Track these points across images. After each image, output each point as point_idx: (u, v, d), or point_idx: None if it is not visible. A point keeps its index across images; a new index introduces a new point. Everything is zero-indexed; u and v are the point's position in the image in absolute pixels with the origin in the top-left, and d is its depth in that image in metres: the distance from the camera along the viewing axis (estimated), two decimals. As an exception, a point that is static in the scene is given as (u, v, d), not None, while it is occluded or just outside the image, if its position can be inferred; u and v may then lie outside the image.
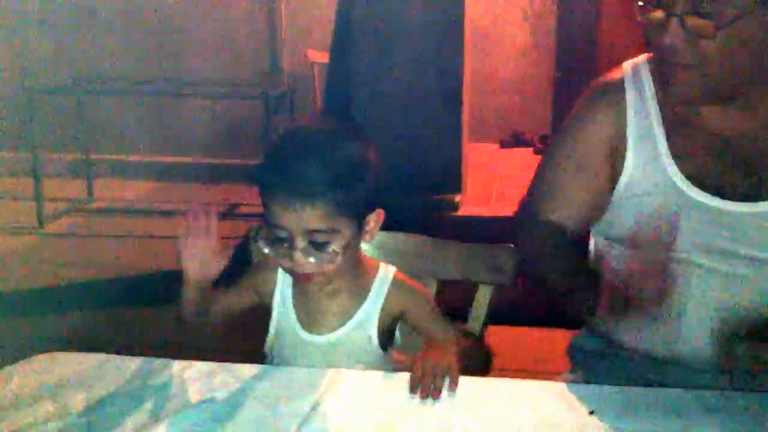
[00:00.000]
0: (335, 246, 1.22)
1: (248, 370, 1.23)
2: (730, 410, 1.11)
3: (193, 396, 1.16)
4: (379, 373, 1.22)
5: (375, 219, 1.28)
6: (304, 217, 1.19)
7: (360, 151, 1.25)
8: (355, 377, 1.21)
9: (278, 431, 1.06)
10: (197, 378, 1.21)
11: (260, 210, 1.32)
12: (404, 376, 1.21)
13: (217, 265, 1.25)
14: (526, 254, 1.50)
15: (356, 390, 1.18)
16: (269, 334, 1.36)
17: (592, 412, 1.10)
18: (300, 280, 1.28)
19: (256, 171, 1.23)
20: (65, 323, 3.19)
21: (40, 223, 4.41)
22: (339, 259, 1.23)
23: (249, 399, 1.16)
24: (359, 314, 1.33)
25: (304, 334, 1.32)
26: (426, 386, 1.16)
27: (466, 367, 1.29)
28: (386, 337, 1.36)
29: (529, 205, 1.50)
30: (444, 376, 1.18)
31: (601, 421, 1.08)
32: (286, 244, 1.22)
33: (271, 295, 1.35)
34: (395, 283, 1.35)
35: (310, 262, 1.22)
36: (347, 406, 1.13)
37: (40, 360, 1.28)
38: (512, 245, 1.51)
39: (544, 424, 1.08)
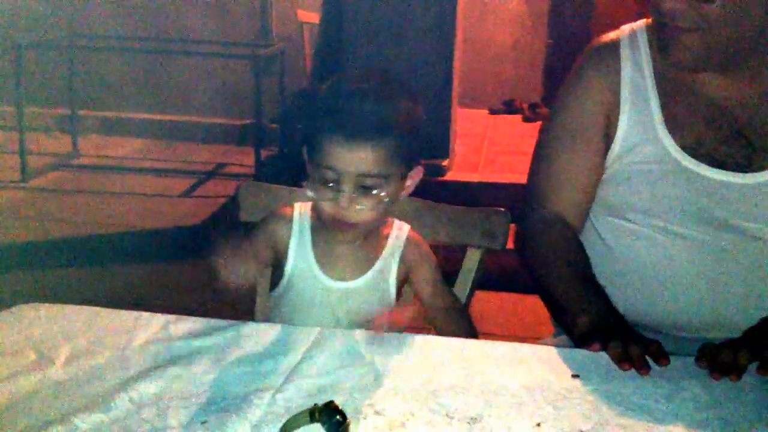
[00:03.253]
0: (382, 193, 1.23)
1: (234, 326, 1.22)
2: (715, 376, 1.11)
3: (179, 351, 1.16)
4: (366, 332, 1.22)
5: (416, 174, 1.32)
6: (358, 159, 1.21)
7: (413, 103, 1.27)
8: (341, 336, 1.21)
9: (263, 387, 1.06)
10: (183, 333, 1.21)
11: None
12: (391, 336, 1.21)
13: (254, 271, 1.25)
14: (525, 249, 1.46)
15: (342, 348, 1.18)
16: (282, 281, 1.36)
17: (576, 376, 1.11)
18: (340, 229, 1.28)
19: (312, 108, 1.25)
20: (47, 279, 3.17)
21: (24, 178, 4.37)
22: (382, 207, 1.25)
23: (234, 355, 1.15)
24: (379, 264, 1.36)
25: (325, 279, 1.34)
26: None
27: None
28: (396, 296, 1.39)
29: (530, 191, 1.48)
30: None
31: (586, 385, 1.08)
32: (333, 186, 1.23)
33: (286, 245, 1.36)
34: (409, 239, 1.39)
35: (355, 208, 1.23)
36: (333, 364, 1.13)
37: (23, 310, 1.27)
38: (503, 209, 1.50)
39: (529, 387, 1.08)
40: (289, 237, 1.36)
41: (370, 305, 1.34)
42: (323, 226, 1.34)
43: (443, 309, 1.39)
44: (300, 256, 1.35)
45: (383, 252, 1.37)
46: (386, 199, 1.25)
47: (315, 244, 1.35)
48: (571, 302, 1.31)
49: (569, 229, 1.42)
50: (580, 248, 1.42)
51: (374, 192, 1.23)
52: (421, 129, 1.28)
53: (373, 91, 1.24)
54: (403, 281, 1.40)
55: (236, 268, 1.20)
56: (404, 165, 1.27)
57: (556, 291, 1.36)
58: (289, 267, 1.35)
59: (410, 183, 1.32)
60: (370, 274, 1.35)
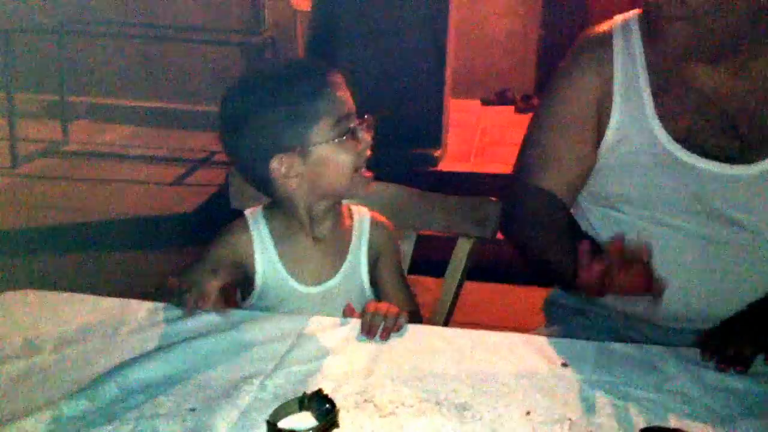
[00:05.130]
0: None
1: (224, 314, 1.21)
2: (705, 365, 1.12)
3: (168, 338, 1.15)
4: (354, 321, 1.21)
5: None
6: (350, 96, 1.28)
7: None
8: (330, 324, 1.21)
9: (252, 374, 1.05)
10: (172, 320, 1.20)
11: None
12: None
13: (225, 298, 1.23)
14: (512, 223, 1.46)
15: (333, 335, 1.17)
16: (253, 293, 1.33)
17: (565, 364, 1.11)
18: (367, 180, 1.30)
19: (303, 87, 1.25)
20: (36, 266, 3.15)
21: (13, 164, 4.34)
22: None
23: (224, 341, 1.14)
24: (349, 259, 1.34)
25: (300, 287, 1.32)
26: (374, 327, 1.16)
27: None
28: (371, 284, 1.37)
29: (519, 171, 1.47)
30: (393, 320, 1.18)
31: (575, 374, 1.09)
32: (360, 132, 1.27)
33: (251, 258, 1.32)
34: (373, 223, 1.38)
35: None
36: (323, 350, 1.13)
37: (11, 297, 1.26)
38: (494, 198, 1.50)
39: (519, 375, 1.08)
40: (251, 248, 1.32)
41: (348, 302, 1.31)
42: (284, 229, 1.33)
43: (395, 297, 1.37)
44: (267, 265, 1.32)
45: (350, 245, 1.35)
46: None
47: (279, 249, 1.32)
48: (565, 259, 1.28)
49: (555, 199, 1.41)
50: (567, 214, 1.42)
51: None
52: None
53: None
54: (374, 265, 1.38)
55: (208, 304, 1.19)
56: None
57: (548, 254, 1.36)
58: (258, 279, 1.32)
59: None
60: (341, 272, 1.34)
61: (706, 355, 1.12)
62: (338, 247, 1.34)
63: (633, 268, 1.13)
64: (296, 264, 1.32)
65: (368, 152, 1.29)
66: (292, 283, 1.32)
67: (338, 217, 1.35)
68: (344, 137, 1.25)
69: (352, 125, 1.26)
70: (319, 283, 1.33)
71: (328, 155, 1.25)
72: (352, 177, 1.27)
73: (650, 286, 1.16)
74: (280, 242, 1.33)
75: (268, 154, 1.24)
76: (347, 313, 1.26)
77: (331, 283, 1.33)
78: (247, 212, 1.37)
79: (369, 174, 1.30)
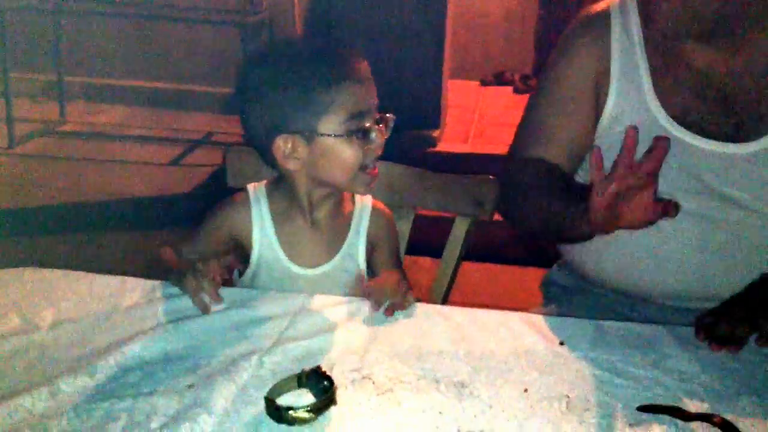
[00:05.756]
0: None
1: (222, 291, 1.21)
2: (702, 344, 1.12)
3: (165, 316, 1.15)
4: (353, 299, 1.21)
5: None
6: (374, 90, 1.23)
7: None
8: (328, 302, 1.21)
9: (250, 351, 1.05)
10: (170, 297, 1.20)
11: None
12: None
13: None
14: (505, 188, 1.47)
15: (331, 313, 1.17)
16: (248, 271, 1.33)
17: (562, 343, 1.11)
18: (371, 179, 1.26)
19: (321, 75, 1.20)
20: (34, 246, 3.15)
21: (10, 144, 4.33)
22: None
23: (222, 319, 1.14)
24: (346, 245, 1.34)
25: (295, 268, 1.31)
26: (380, 302, 1.18)
27: None
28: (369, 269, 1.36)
29: (514, 148, 1.47)
30: (401, 298, 1.18)
31: (572, 352, 1.09)
32: (373, 132, 1.22)
33: (248, 234, 1.31)
34: (374, 211, 1.36)
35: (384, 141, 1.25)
36: (321, 328, 1.13)
37: (7, 275, 1.26)
38: (492, 177, 1.49)
39: (517, 353, 1.08)
40: (250, 224, 1.31)
41: (342, 287, 1.31)
42: (283, 209, 1.32)
43: None
44: (264, 244, 1.31)
45: (349, 232, 1.34)
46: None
47: (277, 229, 1.32)
48: (568, 208, 1.27)
49: (549, 165, 1.39)
50: (561, 173, 1.40)
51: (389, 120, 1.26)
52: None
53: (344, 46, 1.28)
54: (372, 253, 1.38)
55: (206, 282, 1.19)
56: None
57: (548, 212, 1.33)
58: (254, 257, 1.31)
59: None
60: (338, 257, 1.33)
61: (700, 336, 1.12)
62: (337, 231, 1.34)
63: (641, 194, 1.13)
64: (293, 245, 1.32)
65: (378, 152, 1.25)
66: (288, 263, 1.31)
67: (338, 202, 1.34)
68: (354, 135, 1.21)
69: (366, 124, 1.21)
70: (314, 265, 1.32)
71: (333, 148, 1.22)
72: (356, 174, 1.24)
73: (660, 208, 1.14)
74: (279, 221, 1.32)
75: (275, 131, 1.23)
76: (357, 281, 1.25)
77: (327, 267, 1.33)
78: (250, 187, 1.35)
79: (375, 172, 1.26)
